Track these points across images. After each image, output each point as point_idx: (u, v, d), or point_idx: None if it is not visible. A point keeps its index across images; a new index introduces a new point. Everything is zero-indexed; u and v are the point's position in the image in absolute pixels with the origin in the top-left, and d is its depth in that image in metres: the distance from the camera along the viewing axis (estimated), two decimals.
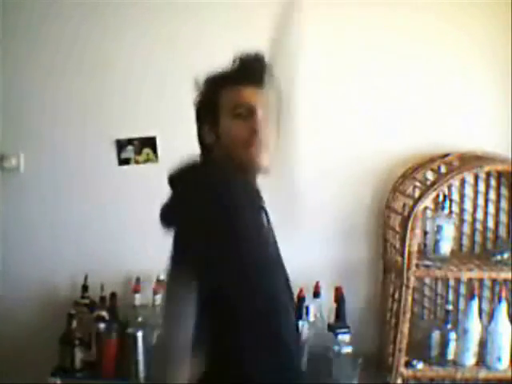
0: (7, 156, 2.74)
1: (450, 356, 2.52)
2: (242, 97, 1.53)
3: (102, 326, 2.54)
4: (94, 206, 2.74)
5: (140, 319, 2.55)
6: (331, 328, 2.54)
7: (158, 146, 2.72)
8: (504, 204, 2.77)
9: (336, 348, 2.44)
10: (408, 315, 2.43)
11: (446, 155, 2.69)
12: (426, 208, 2.57)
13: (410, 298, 2.42)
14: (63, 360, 2.52)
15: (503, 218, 2.77)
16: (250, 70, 1.54)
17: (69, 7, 2.66)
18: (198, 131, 1.61)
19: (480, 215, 2.77)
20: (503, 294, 2.50)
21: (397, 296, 2.50)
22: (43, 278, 2.74)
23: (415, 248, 2.41)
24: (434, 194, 2.42)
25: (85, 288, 2.66)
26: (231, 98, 1.54)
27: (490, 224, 2.78)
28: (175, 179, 1.45)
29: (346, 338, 2.52)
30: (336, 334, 2.51)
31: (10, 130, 2.73)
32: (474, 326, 2.49)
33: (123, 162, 2.74)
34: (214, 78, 1.59)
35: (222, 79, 1.57)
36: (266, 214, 1.58)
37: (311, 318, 2.50)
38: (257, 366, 1.44)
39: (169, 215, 1.42)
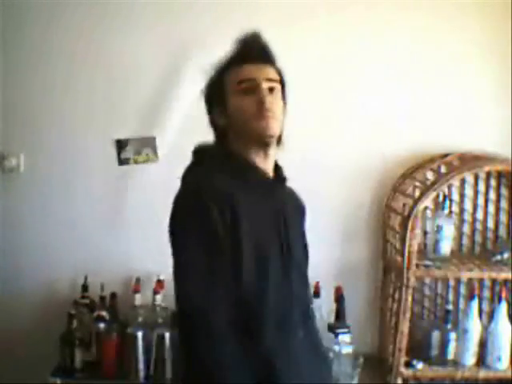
0: (7, 156, 2.74)
1: (450, 356, 2.52)
2: (245, 72, 1.62)
3: (102, 325, 2.54)
4: (93, 205, 2.74)
5: (140, 319, 2.56)
6: (331, 328, 2.54)
7: (157, 146, 2.72)
8: (504, 204, 2.76)
9: (336, 348, 2.44)
10: (408, 315, 2.43)
11: (446, 155, 2.69)
12: (426, 208, 2.57)
13: (410, 298, 2.42)
14: (63, 360, 2.52)
15: (503, 217, 2.77)
16: (249, 48, 1.65)
17: (71, 7, 2.66)
18: (210, 117, 1.70)
19: (480, 215, 2.77)
20: (503, 294, 2.50)
21: (397, 296, 2.50)
22: (43, 278, 2.74)
23: (415, 248, 2.41)
24: (434, 194, 2.42)
25: (85, 288, 2.66)
26: (235, 76, 1.63)
27: (490, 224, 2.77)
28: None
29: (346, 338, 2.51)
30: (336, 334, 2.51)
31: (10, 130, 2.73)
32: (474, 326, 2.49)
33: (123, 161, 2.74)
34: (219, 62, 1.69)
35: (226, 62, 1.67)
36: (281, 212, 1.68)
37: None
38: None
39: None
